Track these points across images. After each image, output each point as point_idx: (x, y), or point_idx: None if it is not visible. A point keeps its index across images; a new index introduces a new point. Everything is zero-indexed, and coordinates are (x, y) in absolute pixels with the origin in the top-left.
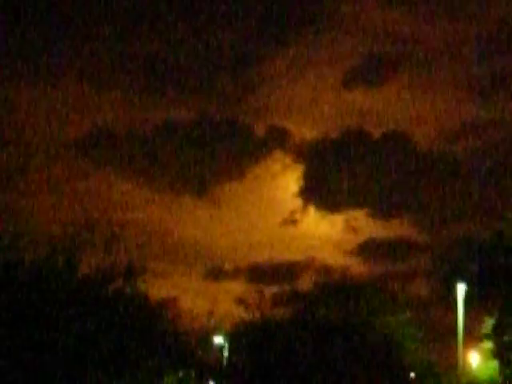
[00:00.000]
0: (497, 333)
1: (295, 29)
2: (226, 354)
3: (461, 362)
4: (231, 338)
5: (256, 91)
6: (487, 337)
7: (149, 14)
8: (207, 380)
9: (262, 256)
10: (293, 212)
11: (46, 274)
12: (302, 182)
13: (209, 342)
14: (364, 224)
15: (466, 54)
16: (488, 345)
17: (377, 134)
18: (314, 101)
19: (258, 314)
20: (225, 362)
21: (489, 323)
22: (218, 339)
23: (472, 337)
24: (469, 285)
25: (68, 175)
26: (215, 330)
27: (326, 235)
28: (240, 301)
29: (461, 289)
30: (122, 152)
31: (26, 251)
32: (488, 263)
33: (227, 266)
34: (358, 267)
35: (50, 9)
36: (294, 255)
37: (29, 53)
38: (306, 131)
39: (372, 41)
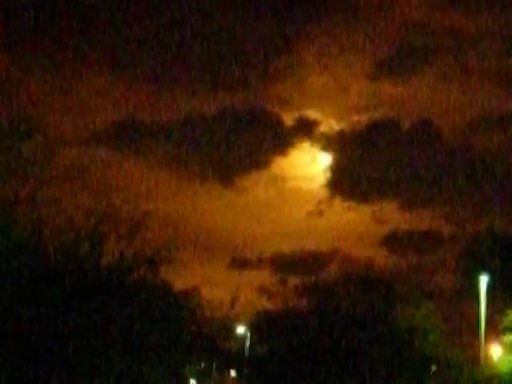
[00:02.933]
0: None
1: (324, 18)
2: (248, 343)
3: (483, 355)
4: (253, 327)
5: (285, 81)
6: (509, 329)
7: (175, 6)
8: (229, 369)
9: (287, 246)
10: (319, 203)
11: (70, 262)
12: (329, 173)
13: (231, 331)
14: (390, 216)
15: (496, 46)
16: (510, 338)
17: (405, 124)
18: (343, 91)
19: (280, 304)
20: (247, 352)
21: (511, 316)
22: (241, 329)
23: (494, 329)
24: (492, 277)
25: (93, 164)
26: (238, 320)
27: (352, 226)
28: (263, 291)
29: (483, 281)
30: (149, 141)
31: (50, 239)
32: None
33: (252, 256)
34: (383, 259)
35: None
36: (319, 246)
37: (55, 43)
38: (333, 122)
39: (402, 31)
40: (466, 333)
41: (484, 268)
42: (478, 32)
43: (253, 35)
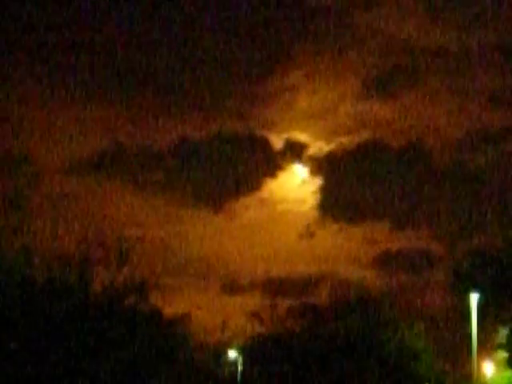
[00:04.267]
0: (511, 342)
1: (310, 40)
2: (240, 368)
3: (475, 373)
4: (245, 352)
5: (272, 104)
6: (501, 347)
7: (162, 33)
8: None
9: (279, 269)
10: (310, 225)
11: (59, 291)
12: (319, 195)
13: (223, 356)
14: (381, 236)
15: (484, 65)
16: (502, 355)
17: (395, 145)
18: (331, 113)
19: (272, 328)
20: (239, 377)
21: (503, 333)
22: (232, 353)
23: (486, 347)
24: (483, 295)
25: (82, 192)
26: (229, 344)
27: (343, 248)
28: (254, 315)
29: (474, 298)
30: (138, 168)
31: (39, 269)
32: (502, 273)
33: (243, 281)
34: (374, 279)
35: (67, 29)
36: (310, 268)
37: (43, 70)
38: (322, 143)
39: (389, 52)
40: (458, 351)
41: (475, 286)
42: (465, 51)
43: (239, 59)
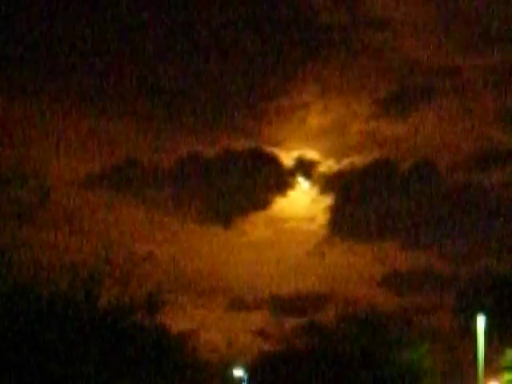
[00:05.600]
0: None
1: (322, 58)
2: None
3: None
4: (251, 370)
5: (283, 122)
6: (508, 369)
7: (174, 48)
8: None
9: (286, 287)
10: (319, 243)
11: (65, 307)
12: (328, 213)
13: (228, 374)
14: (390, 256)
15: (496, 85)
16: (509, 377)
17: (405, 164)
18: (342, 131)
19: (278, 346)
20: None
21: (509, 355)
22: (238, 372)
23: (492, 369)
24: (490, 317)
25: (91, 207)
26: (235, 363)
27: (351, 267)
28: (261, 333)
29: (481, 321)
30: (147, 184)
31: (46, 283)
32: (509, 296)
33: (250, 298)
34: (382, 299)
35: (80, 43)
36: (319, 287)
37: (52, 84)
38: (332, 162)
39: (400, 71)
40: (464, 372)
41: (482, 308)
42: (477, 71)
43: (249, 76)
